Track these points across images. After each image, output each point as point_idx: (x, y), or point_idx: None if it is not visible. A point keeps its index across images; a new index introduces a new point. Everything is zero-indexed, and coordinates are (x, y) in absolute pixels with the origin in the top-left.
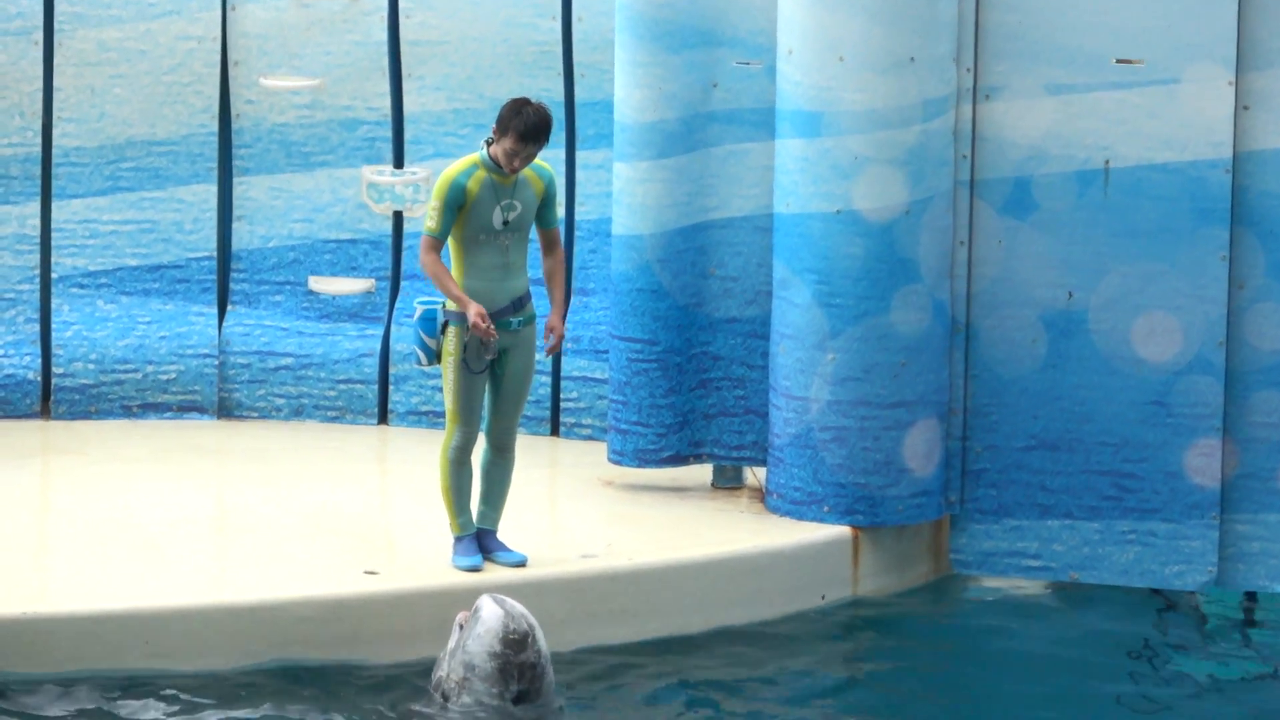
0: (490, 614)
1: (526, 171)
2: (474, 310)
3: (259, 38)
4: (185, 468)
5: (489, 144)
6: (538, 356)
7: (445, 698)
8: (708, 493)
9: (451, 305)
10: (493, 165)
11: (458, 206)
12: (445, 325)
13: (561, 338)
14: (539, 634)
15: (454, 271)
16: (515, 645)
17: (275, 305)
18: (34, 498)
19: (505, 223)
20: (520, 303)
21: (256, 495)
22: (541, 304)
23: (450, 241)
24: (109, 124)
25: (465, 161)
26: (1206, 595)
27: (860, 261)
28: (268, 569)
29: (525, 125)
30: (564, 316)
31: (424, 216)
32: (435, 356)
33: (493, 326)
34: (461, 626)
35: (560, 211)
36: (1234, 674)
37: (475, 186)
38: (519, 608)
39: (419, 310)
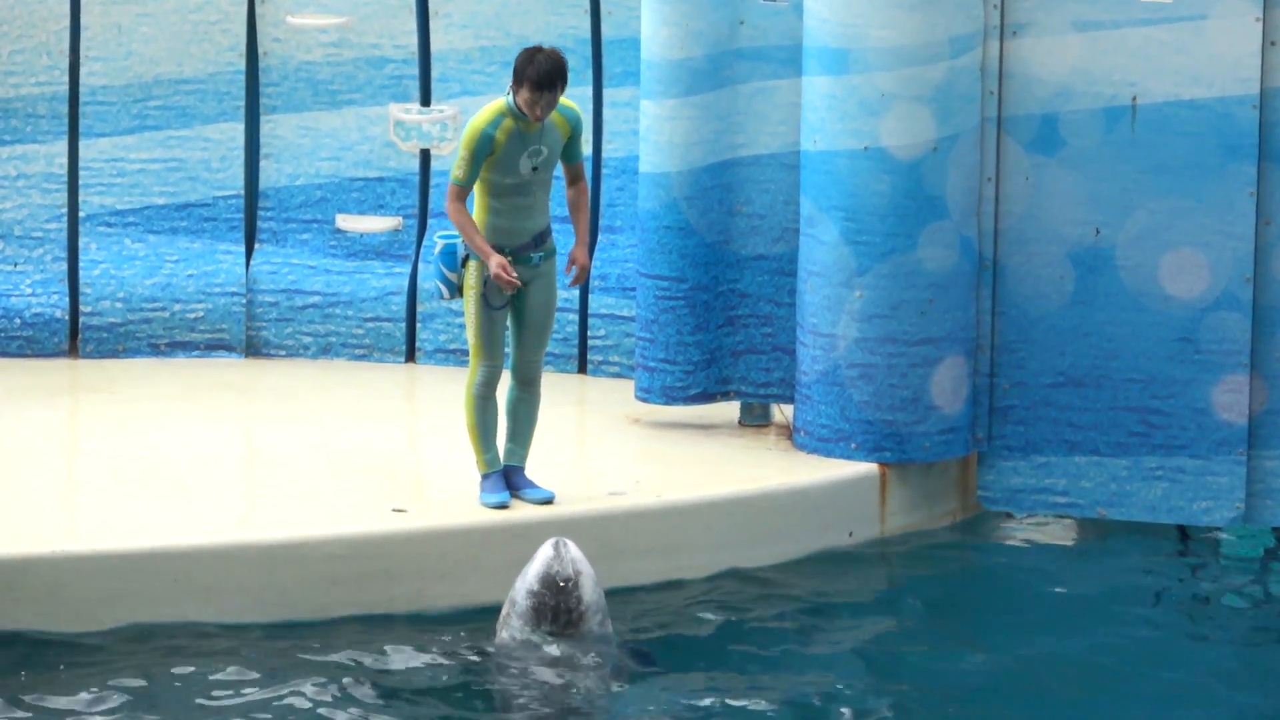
0: (541, 554)
1: (553, 115)
2: (495, 262)
3: None
4: (213, 406)
5: (514, 96)
6: (561, 292)
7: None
8: (735, 430)
9: None
10: (519, 113)
11: (484, 153)
12: (466, 259)
13: (586, 269)
14: (585, 582)
15: (476, 206)
16: (553, 588)
17: (303, 243)
18: (62, 436)
19: (534, 169)
20: (541, 238)
21: (284, 433)
22: (564, 239)
23: (477, 188)
24: (136, 62)
25: (492, 110)
26: (1231, 532)
27: (888, 199)
28: (296, 507)
29: (538, 73)
30: (589, 249)
31: (452, 164)
32: (456, 290)
33: (515, 275)
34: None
35: (586, 148)
36: (1255, 605)
37: (503, 136)
38: (573, 553)
39: (439, 244)
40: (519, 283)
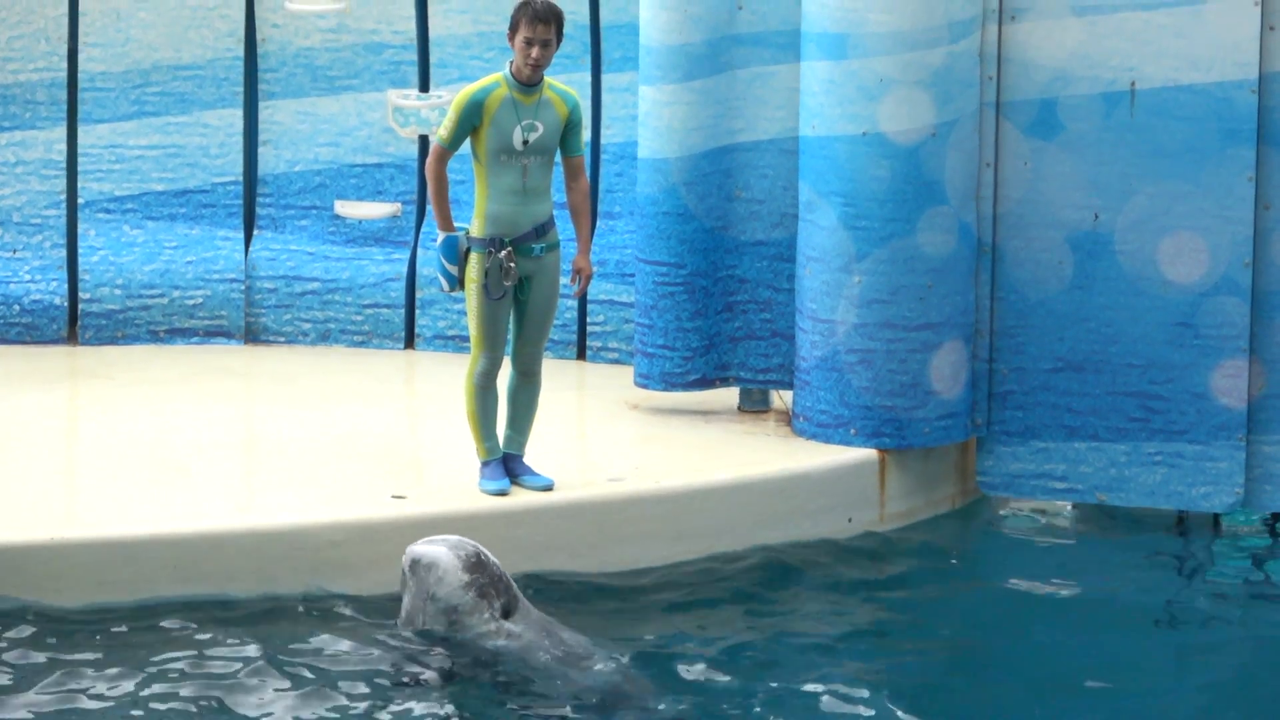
0: (435, 553)
1: (550, 94)
2: (441, 236)
3: None
4: (212, 392)
5: (512, 63)
6: (567, 295)
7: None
8: (734, 416)
9: (474, 231)
10: (515, 84)
11: (473, 121)
12: (467, 251)
13: (589, 278)
14: (482, 547)
15: (477, 194)
16: (477, 567)
17: (301, 230)
18: (61, 422)
19: (525, 142)
20: (543, 229)
21: (284, 420)
22: (566, 230)
23: (475, 164)
24: (134, 48)
25: (488, 79)
26: (1229, 518)
27: (886, 184)
28: (295, 493)
29: (534, 8)
30: (589, 255)
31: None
32: (457, 282)
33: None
34: (408, 590)
35: (585, 136)
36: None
37: (494, 104)
38: (451, 538)
39: (441, 236)
40: (586, 274)
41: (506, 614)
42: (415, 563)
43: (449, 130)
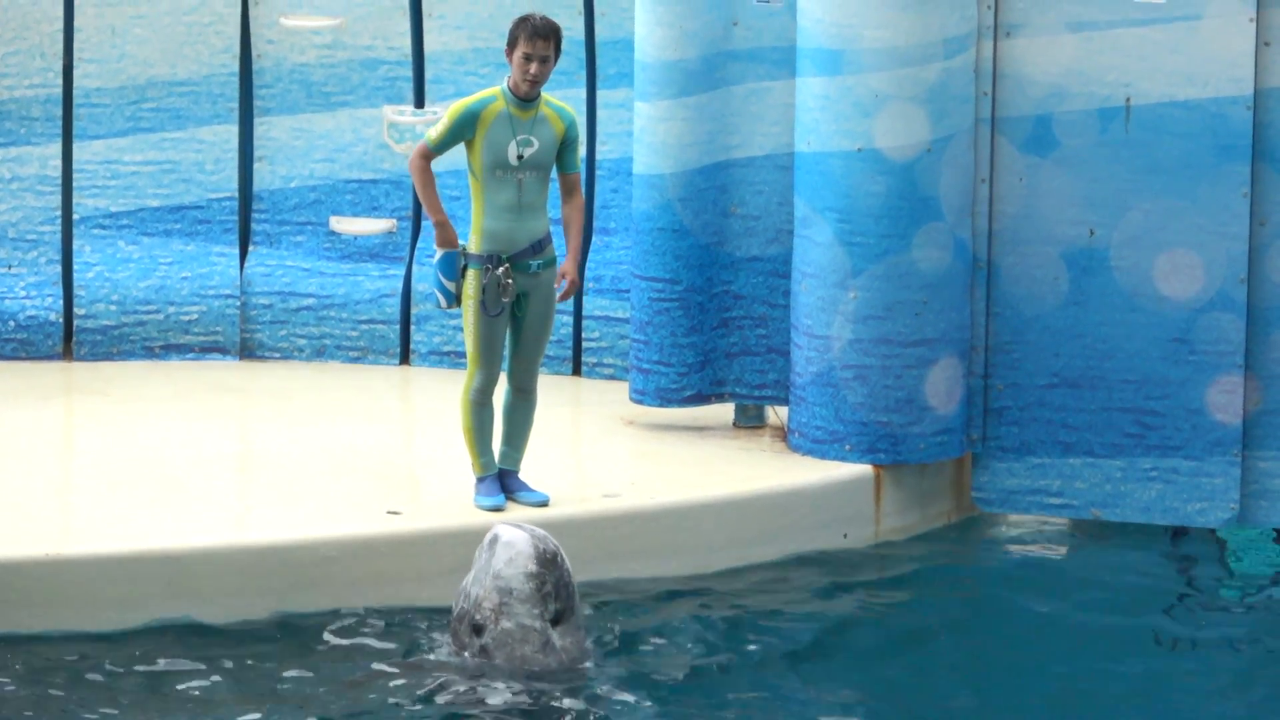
0: (517, 536)
1: (547, 110)
2: (438, 253)
3: None
4: (207, 408)
5: (509, 78)
6: (564, 311)
7: (477, 630)
8: (729, 432)
9: (471, 247)
10: (513, 98)
11: (466, 131)
12: (464, 268)
13: (575, 284)
14: (564, 553)
15: (474, 210)
16: (549, 563)
17: (297, 246)
18: (56, 439)
19: (520, 157)
20: (540, 245)
21: (279, 436)
22: (562, 246)
23: (471, 180)
24: (130, 64)
25: (485, 92)
26: (1226, 536)
27: (881, 199)
28: (290, 509)
29: (533, 24)
30: (580, 265)
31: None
32: (455, 299)
33: (461, 246)
34: (476, 563)
35: (581, 151)
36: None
37: (490, 117)
38: (540, 530)
39: (439, 253)
40: (570, 279)
41: (556, 620)
42: (495, 538)
43: (439, 134)
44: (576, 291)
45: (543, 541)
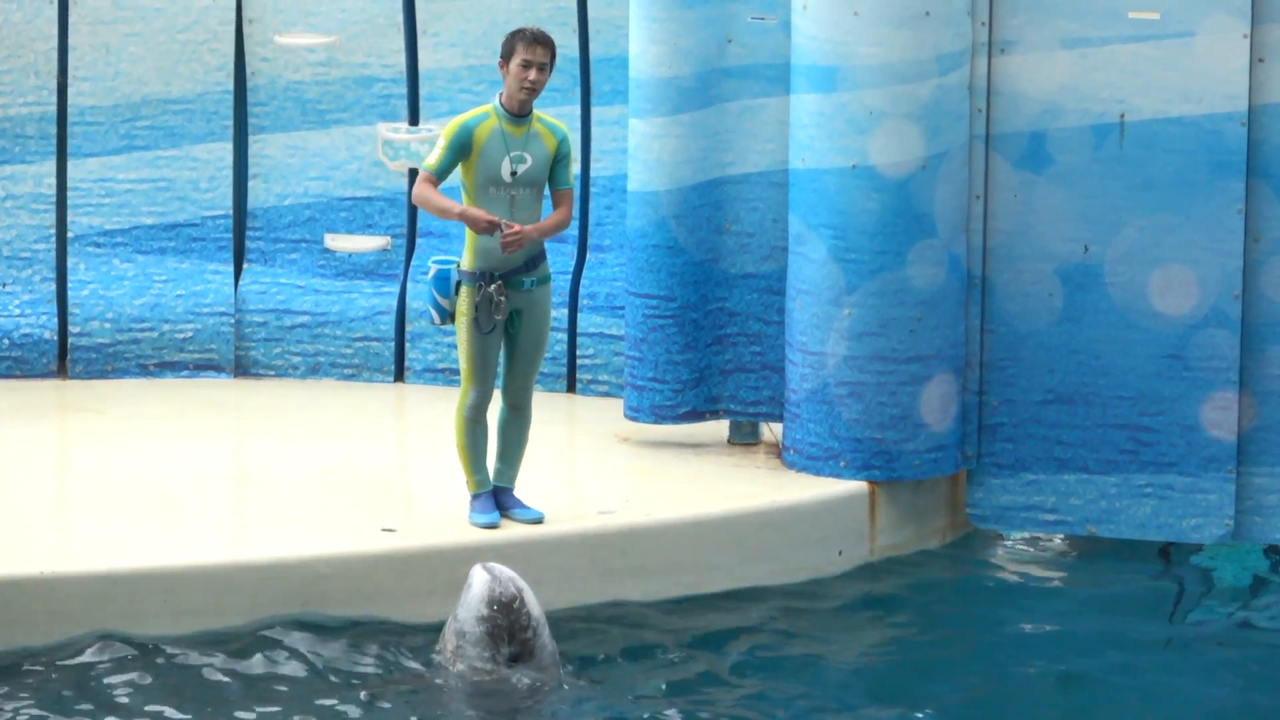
0: (477, 580)
1: (539, 126)
2: (432, 269)
3: None
4: (203, 426)
5: (502, 94)
6: (552, 313)
7: (448, 665)
8: (724, 448)
9: (465, 264)
10: (505, 115)
11: (462, 151)
12: (458, 285)
13: (522, 236)
14: (529, 597)
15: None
16: (502, 609)
17: (291, 263)
18: (52, 456)
19: (513, 174)
20: (534, 262)
21: (274, 453)
22: (556, 264)
23: (464, 197)
24: (124, 82)
25: (478, 109)
26: (1214, 553)
27: (876, 216)
28: (285, 526)
29: (530, 32)
30: (541, 234)
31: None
32: (448, 316)
33: (511, 225)
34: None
35: (575, 168)
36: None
37: (484, 134)
38: (507, 573)
39: (433, 269)
40: (515, 225)
41: (515, 659)
42: (468, 579)
43: (437, 158)
44: (519, 247)
45: (502, 585)
